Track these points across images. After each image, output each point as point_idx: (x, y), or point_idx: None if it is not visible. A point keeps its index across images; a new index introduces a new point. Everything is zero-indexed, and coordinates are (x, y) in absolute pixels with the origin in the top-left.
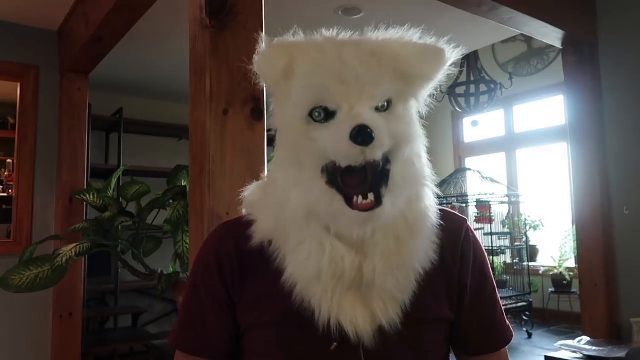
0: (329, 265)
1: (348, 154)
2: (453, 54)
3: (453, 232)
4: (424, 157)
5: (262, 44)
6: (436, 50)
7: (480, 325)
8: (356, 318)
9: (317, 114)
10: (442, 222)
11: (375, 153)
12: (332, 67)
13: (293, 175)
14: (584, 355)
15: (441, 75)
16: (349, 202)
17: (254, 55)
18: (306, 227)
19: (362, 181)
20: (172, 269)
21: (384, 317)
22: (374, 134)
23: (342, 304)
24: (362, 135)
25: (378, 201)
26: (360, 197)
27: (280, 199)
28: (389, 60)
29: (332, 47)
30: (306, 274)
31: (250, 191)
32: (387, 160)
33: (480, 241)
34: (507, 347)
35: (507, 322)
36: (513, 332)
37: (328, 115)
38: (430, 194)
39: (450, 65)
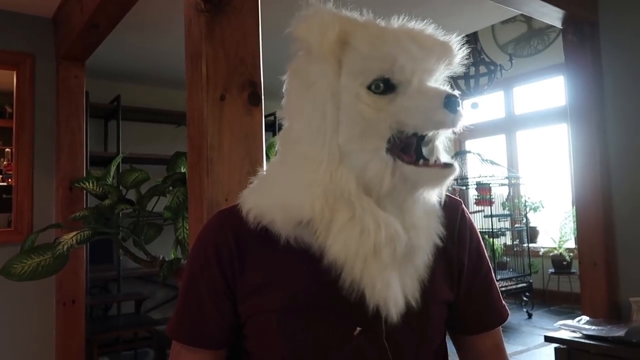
0: (387, 240)
1: (442, 121)
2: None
3: (449, 214)
4: None
5: (309, 8)
6: (455, 47)
7: (477, 305)
8: (398, 298)
9: (375, 86)
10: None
11: (460, 121)
12: (400, 39)
13: (336, 149)
14: (584, 334)
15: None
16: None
17: (296, 16)
18: (357, 202)
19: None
20: (173, 255)
21: (411, 296)
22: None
23: (391, 282)
24: (455, 104)
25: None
26: (428, 160)
27: (316, 177)
28: (439, 45)
29: (384, 25)
30: (363, 249)
31: (255, 185)
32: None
33: (475, 222)
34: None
35: (502, 301)
36: (508, 311)
37: (387, 87)
38: None
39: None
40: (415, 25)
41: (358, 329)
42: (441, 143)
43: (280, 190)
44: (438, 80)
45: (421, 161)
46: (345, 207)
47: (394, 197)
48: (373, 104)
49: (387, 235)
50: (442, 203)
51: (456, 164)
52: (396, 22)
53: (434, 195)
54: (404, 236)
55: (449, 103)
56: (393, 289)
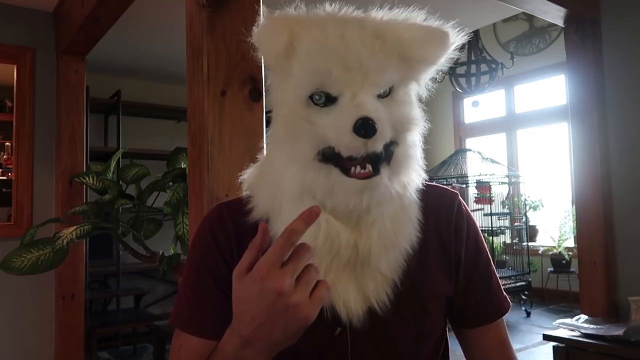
0: (324, 242)
1: (350, 146)
2: (457, 38)
3: (446, 207)
4: (419, 144)
5: (262, 17)
6: (441, 33)
7: (476, 297)
8: (348, 300)
9: (317, 97)
10: (434, 199)
11: (377, 146)
12: (335, 50)
13: (288, 153)
14: (582, 333)
15: (444, 59)
16: (346, 174)
17: (253, 28)
18: (300, 204)
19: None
20: (172, 251)
21: (374, 299)
22: (377, 126)
23: (336, 284)
24: (365, 128)
25: (376, 171)
26: (358, 167)
27: (276, 177)
28: (393, 44)
29: (334, 25)
30: None
31: (248, 173)
32: (391, 142)
33: (472, 215)
34: (504, 317)
35: (504, 293)
36: (510, 303)
37: (329, 99)
38: (418, 179)
39: (454, 49)
40: (371, 18)
41: (339, 329)
42: (405, 151)
43: (258, 187)
44: (406, 83)
45: (355, 169)
46: (291, 208)
47: (348, 202)
48: (308, 116)
49: (327, 235)
50: (438, 197)
51: (384, 175)
52: (346, 13)
53: (412, 196)
54: (348, 237)
55: (359, 127)
56: (342, 292)
